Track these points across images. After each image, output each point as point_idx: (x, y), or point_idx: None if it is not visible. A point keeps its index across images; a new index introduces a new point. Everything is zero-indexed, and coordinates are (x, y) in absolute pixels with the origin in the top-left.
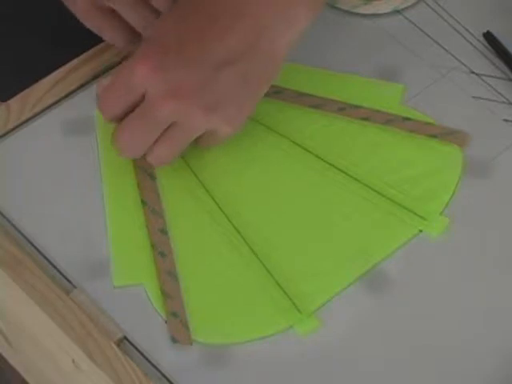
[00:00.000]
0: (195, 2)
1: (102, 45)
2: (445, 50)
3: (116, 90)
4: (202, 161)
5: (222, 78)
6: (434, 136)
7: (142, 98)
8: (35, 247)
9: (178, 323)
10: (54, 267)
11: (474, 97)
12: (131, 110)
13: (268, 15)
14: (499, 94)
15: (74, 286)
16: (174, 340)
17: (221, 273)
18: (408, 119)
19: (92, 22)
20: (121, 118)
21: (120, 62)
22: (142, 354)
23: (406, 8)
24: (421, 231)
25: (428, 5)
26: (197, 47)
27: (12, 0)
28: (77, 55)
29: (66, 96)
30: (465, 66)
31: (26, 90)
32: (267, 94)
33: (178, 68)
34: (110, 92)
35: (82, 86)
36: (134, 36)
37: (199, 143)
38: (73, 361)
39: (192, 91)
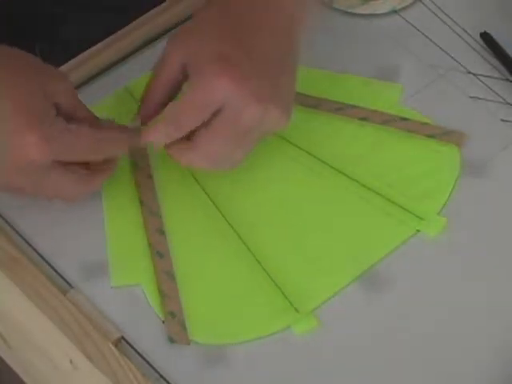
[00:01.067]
0: (233, 13)
1: (99, 45)
2: (442, 50)
3: (192, 109)
4: None
5: (284, 79)
6: (431, 136)
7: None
8: (32, 247)
9: (176, 323)
10: (52, 267)
11: (471, 97)
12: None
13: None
14: (496, 94)
15: (72, 286)
16: (171, 340)
17: (218, 273)
18: (406, 119)
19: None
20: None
21: (117, 63)
22: (139, 354)
23: (404, 8)
24: (418, 231)
25: (425, 5)
26: (261, 54)
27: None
28: (74, 56)
29: None
30: (462, 66)
31: None
32: None
33: (252, 75)
34: (186, 112)
35: (79, 87)
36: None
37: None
38: (70, 361)
39: (270, 94)
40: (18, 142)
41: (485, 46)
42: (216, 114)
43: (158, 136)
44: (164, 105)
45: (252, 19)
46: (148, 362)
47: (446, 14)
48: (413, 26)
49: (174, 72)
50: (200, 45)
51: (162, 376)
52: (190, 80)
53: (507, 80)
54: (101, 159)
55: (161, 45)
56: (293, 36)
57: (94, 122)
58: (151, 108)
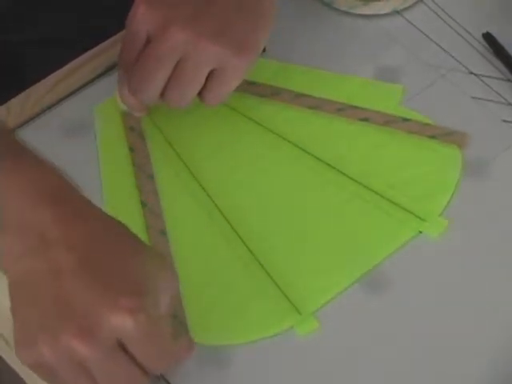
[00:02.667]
0: None
1: (101, 46)
2: (444, 50)
3: (126, 41)
4: (201, 162)
5: (216, 7)
6: (433, 137)
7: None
8: None
9: (178, 324)
10: None
11: (473, 97)
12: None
13: None
14: (498, 94)
15: None
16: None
17: (220, 274)
18: (407, 120)
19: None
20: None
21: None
22: None
23: (405, 9)
24: (420, 232)
25: (427, 5)
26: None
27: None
28: (76, 56)
29: (66, 96)
30: (464, 66)
31: (27, 91)
32: (265, 95)
33: (172, 2)
34: (123, 45)
35: (82, 87)
36: None
37: (210, 95)
38: None
39: (191, 19)
40: (109, 301)
41: (487, 46)
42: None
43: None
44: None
45: None
46: None
47: (447, 14)
48: (414, 26)
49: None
50: None
51: (162, 377)
52: None
53: (509, 81)
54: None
55: None
56: None
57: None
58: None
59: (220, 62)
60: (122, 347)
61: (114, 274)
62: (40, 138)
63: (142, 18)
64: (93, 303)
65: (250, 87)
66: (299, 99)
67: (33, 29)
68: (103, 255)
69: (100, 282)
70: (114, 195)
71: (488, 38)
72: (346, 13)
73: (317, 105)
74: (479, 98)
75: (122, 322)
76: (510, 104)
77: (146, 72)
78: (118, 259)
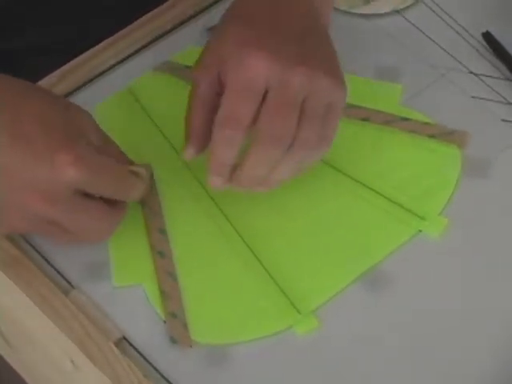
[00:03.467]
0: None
1: (99, 46)
2: (444, 50)
3: (242, 94)
4: (201, 162)
5: (309, 46)
6: (432, 136)
7: (266, 92)
8: (34, 248)
9: (177, 323)
10: (53, 268)
11: (472, 97)
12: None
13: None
14: (498, 94)
15: (73, 287)
16: (172, 340)
17: (220, 273)
18: (407, 119)
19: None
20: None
21: (120, 62)
22: (140, 354)
23: (405, 8)
24: (420, 231)
25: (427, 5)
26: (282, 24)
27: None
28: (75, 56)
29: (66, 96)
30: (464, 66)
31: None
32: None
33: (281, 47)
34: (236, 99)
35: (81, 87)
36: None
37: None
38: (72, 361)
39: (305, 57)
40: (48, 164)
41: (486, 45)
42: (265, 96)
43: (222, 151)
44: (209, 124)
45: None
46: (149, 362)
47: (447, 13)
48: (414, 25)
49: (210, 88)
50: (224, 51)
51: (163, 376)
52: (226, 80)
53: (509, 80)
54: (123, 197)
55: (160, 45)
56: (314, 12)
57: (124, 159)
58: (198, 130)
59: (332, 94)
60: (82, 192)
61: (42, 139)
62: None
63: (264, 69)
64: (36, 170)
65: None
66: None
67: (32, 29)
68: (30, 124)
69: (32, 150)
70: None
71: (488, 37)
72: (346, 12)
73: None
74: (479, 98)
75: (68, 176)
76: (509, 103)
77: (285, 120)
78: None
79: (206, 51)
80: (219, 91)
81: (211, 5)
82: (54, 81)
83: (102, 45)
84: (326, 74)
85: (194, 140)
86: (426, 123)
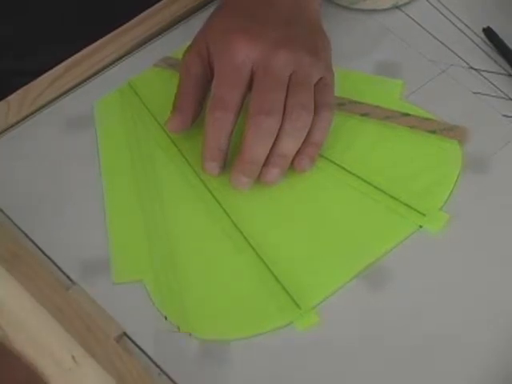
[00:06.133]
0: None
1: (101, 41)
2: (444, 45)
3: (229, 79)
4: (200, 157)
5: (293, 32)
6: (433, 131)
7: (251, 73)
8: (34, 243)
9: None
10: (54, 263)
11: (473, 92)
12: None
13: None
14: (499, 89)
15: (74, 283)
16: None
17: (220, 269)
18: (407, 115)
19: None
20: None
21: (120, 58)
22: (141, 349)
23: (406, 4)
24: (420, 227)
25: (427, 0)
26: (268, 11)
27: None
28: (77, 51)
29: (66, 92)
30: (464, 61)
31: (26, 86)
32: None
33: (265, 32)
34: (224, 84)
35: (81, 83)
36: None
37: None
38: (72, 357)
39: (288, 41)
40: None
41: (487, 41)
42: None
43: (217, 134)
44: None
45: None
46: (150, 358)
47: (448, 9)
48: (415, 21)
49: (201, 69)
50: (211, 38)
51: (163, 371)
52: (214, 66)
53: (510, 75)
54: None
55: (160, 41)
56: (302, 2)
57: None
58: (186, 104)
59: (319, 70)
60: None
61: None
62: (40, 134)
63: (247, 50)
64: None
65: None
66: None
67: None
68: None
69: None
70: (115, 190)
71: (488, 32)
72: (347, 8)
73: None
74: (479, 93)
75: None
76: (510, 99)
77: (272, 95)
78: None
79: (195, 39)
80: (209, 77)
81: (211, 0)
82: (54, 76)
83: (102, 40)
84: (309, 54)
85: (180, 112)
86: (427, 119)
